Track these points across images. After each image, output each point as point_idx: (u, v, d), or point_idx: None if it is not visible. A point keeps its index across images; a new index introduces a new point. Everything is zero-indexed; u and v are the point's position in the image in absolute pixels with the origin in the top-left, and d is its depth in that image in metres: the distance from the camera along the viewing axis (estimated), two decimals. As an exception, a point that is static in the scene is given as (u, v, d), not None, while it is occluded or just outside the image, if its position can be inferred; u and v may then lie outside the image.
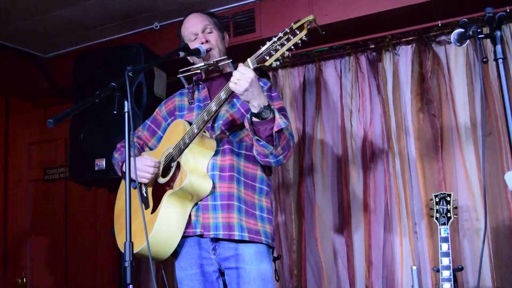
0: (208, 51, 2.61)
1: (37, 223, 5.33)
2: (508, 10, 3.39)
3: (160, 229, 2.39)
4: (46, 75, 4.92)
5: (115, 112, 2.25)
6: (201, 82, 2.71)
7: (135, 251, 2.28)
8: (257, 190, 2.51)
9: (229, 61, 2.51)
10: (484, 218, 2.16)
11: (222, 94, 2.28)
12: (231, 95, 2.27)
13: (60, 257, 5.16)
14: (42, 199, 5.35)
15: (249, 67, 2.17)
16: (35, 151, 5.48)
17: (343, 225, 3.85)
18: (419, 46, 3.77)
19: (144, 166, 2.51)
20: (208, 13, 2.74)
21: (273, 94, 2.56)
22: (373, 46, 3.94)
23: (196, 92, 2.70)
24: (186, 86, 2.71)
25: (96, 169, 3.72)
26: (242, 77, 2.15)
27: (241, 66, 2.18)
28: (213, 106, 2.31)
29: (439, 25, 3.66)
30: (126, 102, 2.20)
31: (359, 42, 3.95)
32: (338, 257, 3.87)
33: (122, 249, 2.28)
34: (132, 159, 2.12)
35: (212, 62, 2.54)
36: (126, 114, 2.20)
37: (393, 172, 3.76)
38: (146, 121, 2.86)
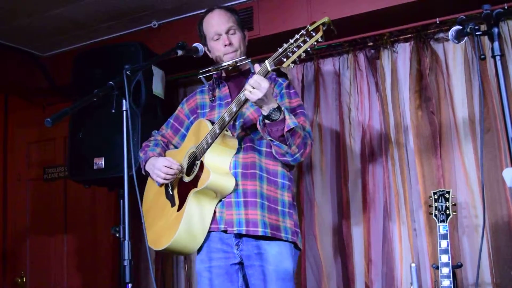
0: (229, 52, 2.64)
1: (37, 222, 5.33)
2: (506, 7, 3.38)
3: (186, 226, 2.48)
4: (45, 74, 4.92)
5: (113, 110, 2.26)
6: (221, 80, 2.74)
7: (163, 247, 2.50)
8: (279, 185, 2.56)
9: (247, 60, 2.54)
10: (483, 215, 2.17)
11: (242, 96, 2.34)
12: None
13: (59, 256, 5.16)
14: (41, 198, 5.34)
15: (267, 68, 2.23)
16: (34, 150, 5.47)
17: (342, 223, 3.85)
18: (417, 43, 3.77)
19: (162, 167, 2.59)
20: (232, 10, 2.72)
21: (291, 91, 2.61)
22: (371, 43, 3.93)
23: (216, 90, 2.75)
24: (206, 84, 2.78)
25: (95, 168, 3.72)
26: (258, 87, 2.22)
27: (256, 75, 2.25)
28: (233, 107, 2.38)
29: (437, 22, 3.66)
30: (124, 101, 2.21)
31: (358, 40, 3.95)
32: (338, 254, 3.88)
33: (150, 244, 2.62)
34: (137, 158, 2.13)
35: (232, 62, 2.58)
36: (125, 112, 2.21)
37: (391, 170, 3.76)
38: (169, 119, 2.95)
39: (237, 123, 2.59)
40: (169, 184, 2.68)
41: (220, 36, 2.66)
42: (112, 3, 4.03)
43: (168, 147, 2.87)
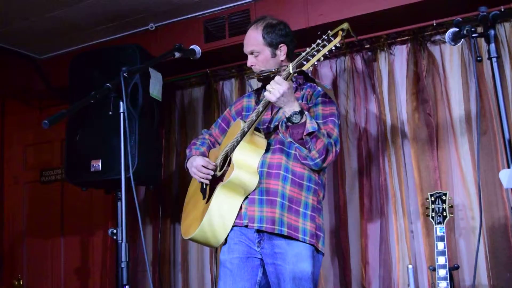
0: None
1: (33, 225, 5.32)
2: (502, 9, 3.40)
3: (210, 218, 2.61)
4: (42, 76, 4.92)
5: (110, 113, 2.26)
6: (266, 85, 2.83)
7: (189, 237, 2.68)
8: (304, 188, 2.63)
9: (284, 71, 2.57)
10: (480, 216, 2.17)
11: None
12: None
13: (56, 258, 5.15)
14: (38, 201, 5.34)
15: (289, 70, 2.40)
16: (31, 152, 5.46)
17: (339, 225, 3.85)
18: (414, 45, 3.78)
19: (200, 167, 2.78)
20: (265, 27, 2.78)
21: (326, 100, 2.70)
22: (368, 46, 3.94)
23: (262, 93, 2.86)
24: (252, 90, 3.00)
25: (92, 170, 3.71)
26: (276, 87, 2.41)
27: (277, 76, 2.44)
28: (260, 107, 2.55)
29: (434, 24, 3.67)
30: (121, 103, 2.22)
31: (354, 42, 3.95)
32: (335, 256, 3.88)
33: (182, 233, 2.85)
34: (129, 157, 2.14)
35: (273, 70, 2.67)
36: (122, 114, 2.21)
37: (389, 172, 3.77)
38: (218, 119, 3.13)
39: (271, 125, 2.73)
40: None
41: (248, 55, 2.82)
42: (109, 6, 4.03)
43: (214, 146, 3.04)
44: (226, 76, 4.51)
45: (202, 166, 2.77)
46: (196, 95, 4.68)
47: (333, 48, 2.34)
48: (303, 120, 2.45)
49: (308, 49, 2.35)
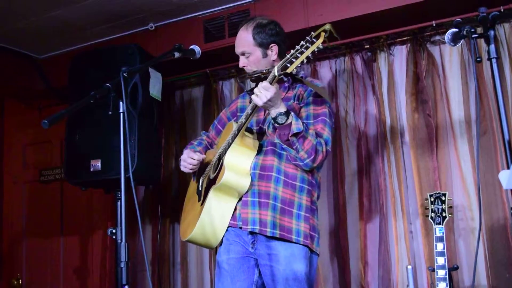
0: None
1: (33, 224, 5.32)
2: (502, 10, 3.40)
3: (205, 219, 2.62)
4: (41, 76, 4.92)
5: (110, 112, 2.27)
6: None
7: (186, 238, 2.69)
8: (297, 189, 2.62)
9: (275, 71, 2.54)
10: (479, 217, 2.17)
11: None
12: None
13: (55, 258, 5.15)
14: (37, 201, 5.33)
15: (274, 74, 2.39)
16: (31, 152, 5.46)
17: (338, 225, 3.85)
18: (413, 46, 3.78)
19: (187, 158, 2.80)
20: (255, 27, 2.77)
21: (318, 99, 2.68)
22: (368, 46, 3.94)
23: None
24: (246, 90, 3.02)
25: (91, 170, 3.71)
26: (263, 92, 2.40)
27: (264, 81, 2.43)
28: (249, 110, 2.55)
29: (434, 25, 3.67)
30: (121, 103, 2.22)
31: (354, 42, 3.95)
32: (334, 257, 3.88)
33: (180, 234, 2.87)
34: (130, 157, 2.15)
35: (264, 71, 2.67)
36: (121, 114, 2.21)
37: (388, 172, 3.77)
38: (215, 121, 3.14)
39: (264, 126, 2.72)
40: (200, 180, 2.87)
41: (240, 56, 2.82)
42: (109, 6, 4.03)
43: (211, 147, 3.05)
44: (225, 76, 4.51)
45: (189, 157, 2.79)
46: (195, 95, 4.68)
47: (316, 50, 2.30)
48: (288, 121, 2.45)
49: (292, 51, 2.33)
